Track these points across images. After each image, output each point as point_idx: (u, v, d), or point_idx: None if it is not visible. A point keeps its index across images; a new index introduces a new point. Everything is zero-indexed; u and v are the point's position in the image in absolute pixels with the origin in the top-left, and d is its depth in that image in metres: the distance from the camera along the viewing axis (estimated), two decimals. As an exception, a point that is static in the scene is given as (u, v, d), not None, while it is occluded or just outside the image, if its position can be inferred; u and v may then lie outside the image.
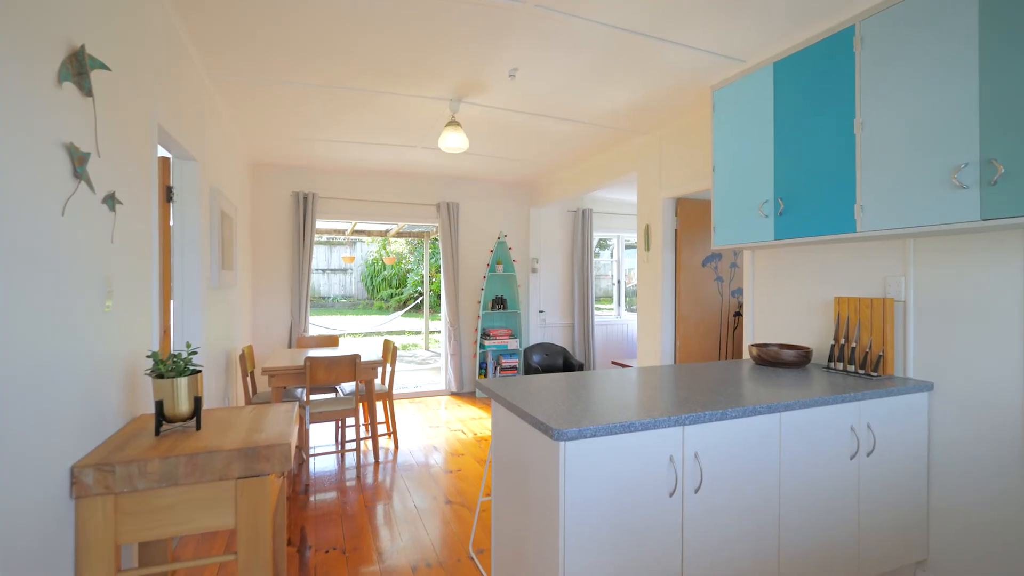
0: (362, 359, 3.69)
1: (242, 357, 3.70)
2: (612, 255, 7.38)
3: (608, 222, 7.04)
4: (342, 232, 9.31)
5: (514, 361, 6.12)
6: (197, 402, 1.58)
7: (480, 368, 6.04)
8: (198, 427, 1.58)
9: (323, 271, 16.19)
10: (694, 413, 1.72)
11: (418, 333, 12.23)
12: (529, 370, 6.11)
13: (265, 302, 5.35)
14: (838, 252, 2.66)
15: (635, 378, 2.29)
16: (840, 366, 2.52)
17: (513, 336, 6.07)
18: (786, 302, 2.95)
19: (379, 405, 5.08)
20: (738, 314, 4.31)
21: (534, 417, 1.63)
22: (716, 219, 2.95)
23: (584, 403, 1.82)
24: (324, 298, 16.13)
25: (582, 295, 6.75)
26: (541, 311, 6.65)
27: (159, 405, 1.51)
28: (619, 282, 7.27)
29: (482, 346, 6.00)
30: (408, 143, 4.51)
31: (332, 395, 5.26)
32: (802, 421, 1.96)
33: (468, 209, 6.23)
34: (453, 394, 6.10)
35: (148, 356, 1.57)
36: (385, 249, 15.87)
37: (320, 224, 8.53)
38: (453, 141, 3.46)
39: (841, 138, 2.29)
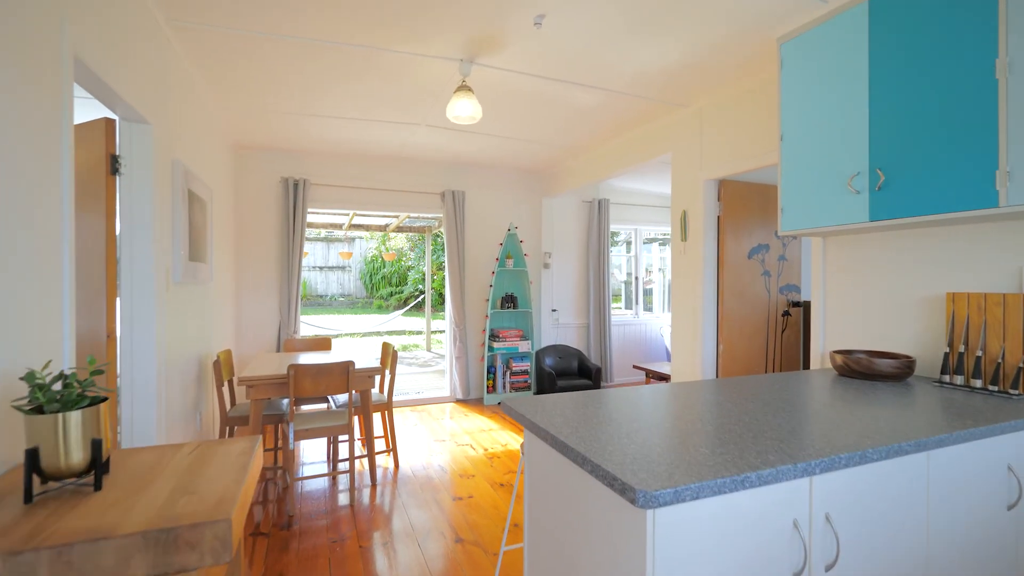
0: (357, 366, 3.16)
1: (217, 364, 3.17)
2: (629, 249, 6.85)
3: (624, 214, 6.51)
4: (339, 227, 8.77)
5: (525, 365, 5.59)
6: (96, 447, 1.05)
7: (488, 373, 5.51)
8: (97, 486, 1.05)
9: (320, 268, 15.66)
10: (826, 458, 1.19)
11: (419, 333, 11.71)
12: (541, 375, 5.58)
13: (250, 300, 4.81)
14: (956, 235, 2.13)
15: (700, 398, 1.75)
16: (959, 380, 1.98)
17: (524, 337, 5.54)
18: (872, 300, 2.42)
19: (377, 417, 4.55)
20: (787, 313, 3.78)
21: (604, 470, 1.10)
22: (784, 199, 2.42)
23: (656, 440, 1.29)
24: (322, 296, 15.60)
25: (598, 293, 6.22)
26: (554, 310, 6.12)
27: (31, 455, 0.99)
28: (637, 279, 6.74)
29: (490, 348, 5.47)
30: (409, 119, 3.97)
31: (323, 406, 4.74)
32: (952, 461, 1.44)
33: (475, 199, 5.70)
34: (459, 401, 5.57)
35: (23, 377, 1.04)
36: (385, 245, 15.32)
37: (313, 216, 8.00)
38: (464, 109, 2.93)
39: (974, 86, 1.75)
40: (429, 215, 8.78)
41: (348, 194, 5.19)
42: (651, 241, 7.09)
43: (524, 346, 5.51)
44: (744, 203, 3.61)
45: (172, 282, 2.59)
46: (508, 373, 5.53)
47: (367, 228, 9.19)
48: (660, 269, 7.18)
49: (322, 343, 4.20)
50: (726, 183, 3.53)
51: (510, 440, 4.20)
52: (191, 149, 3.04)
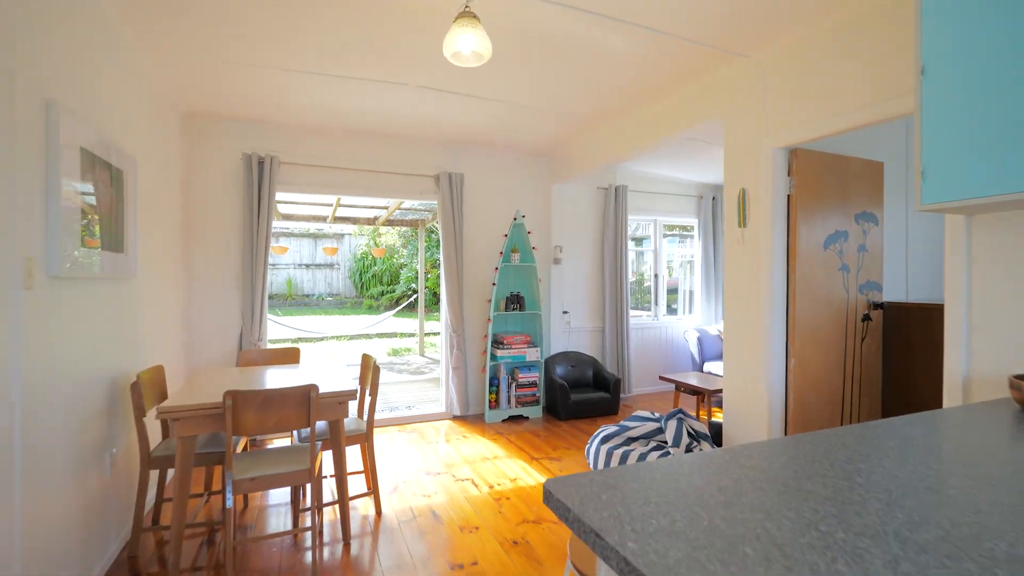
0: (325, 388, 2.38)
1: (135, 387, 2.37)
2: (640, 243, 6.09)
3: (641, 203, 5.74)
4: (323, 219, 7.96)
5: (533, 376, 4.82)
6: None
7: (490, 385, 4.73)
8: None
9: (307, 267, 14.81)
10: None
11: (412, 335, 10.90)
12: (552, 387, 4.81)
13: (205, 302, 4.01)
14: None
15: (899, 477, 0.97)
16: None
17: (532, 344, 4.77)
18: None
19: (355, 449, 3.75)
20: (867, 318, 3.03)
21: None
22: (927, 159, 1.66)
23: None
24: (308, 296, 14.75)
25: (615, 292, 5.45)
26: (565, 312, 5.35)
27: None
28: (657, 276, 5.98)
29: (493, 357, 4.69)
30: (397, 76, 3.19)
31: (286, 440, 3.95)
32: None
33: (475, 183, 4.91)
34: (456, 418, 4.79)
35: None
36: (375, 240, 14.48)
37: (292, 206, 7.17)
38: (467, 43, 2.15)
39: None
40: (421, 207, 8.00)
41: (326, 176, 4.39)
42: (670, 234, 6.36)
43: (532, 354, 4.74)
44: (821, 178, 2.85)
45: (46, 276, 1.80)
46: (513, 385, 4.75)
47: (354, 221, 8.38)
48: (682, 264, 6.44)
49: (288, 355, 3.40)
50: (799, 153, 2.77)
51: (520, 473, 3.43)
52: (104, 105, 2.24)
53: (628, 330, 5.47)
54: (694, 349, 5.48)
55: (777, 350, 2.78)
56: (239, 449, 2.86)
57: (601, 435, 3.35)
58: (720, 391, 4.09)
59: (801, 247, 2.77)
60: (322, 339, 10.40)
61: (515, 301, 4.79)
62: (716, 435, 3.25)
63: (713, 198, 6.02)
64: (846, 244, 2.95)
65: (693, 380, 4.34)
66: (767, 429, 2.77)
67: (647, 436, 3.24)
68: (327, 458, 3.40)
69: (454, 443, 4.08)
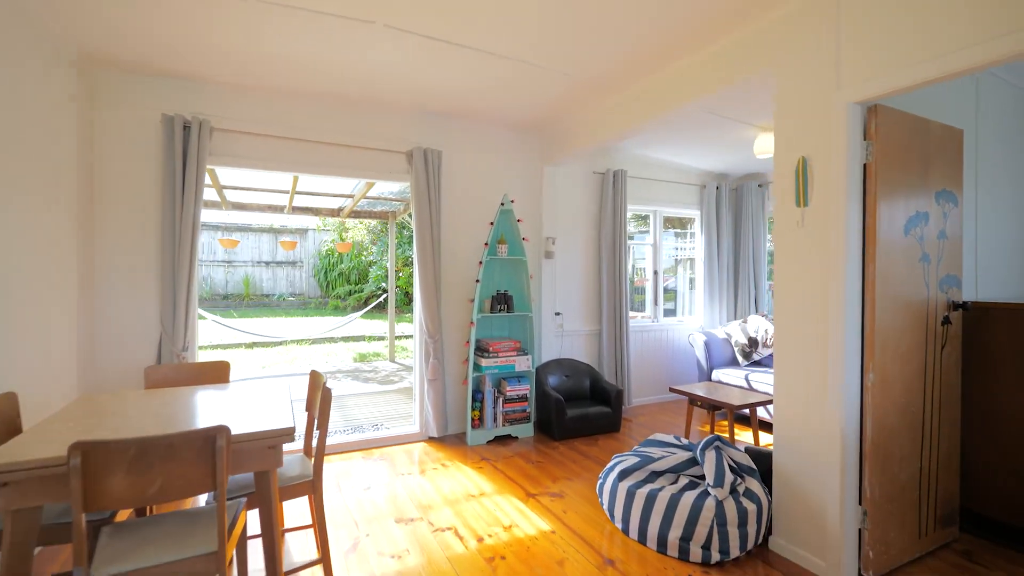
0: (247, 427, 1.63)
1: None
2: (648, 237, 5.47)
3: (640, 191, 5.13)
4: (279, 209, 7.07)
5: (524, 389, 4.12)
6: None
7: (473, 400, 4.02)
8: None
9: (267, 264, 13.71)
10: None
11: (382, 339, 10.06)
12: (545, 401, 4.13)
13: (110, 301, 3.17)
14: None
15: None
16: None
17: (522, 351, 4.07)
18: None
19: (301, 503, 2.98)
20: (947, 321, 2.45)
21: None
22: None
23: None
24: (268, 296, 13.65)
25: (613, 291, 4.81)
26: (558, 313, 4.68)
27: None
28: (657, 274, 5.37)
29: (476, 367, 3.98)
30: (362, 10, 2.45)
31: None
32: None
33: (455, 161, 4.19)
34: (432, 440, 4.06)
35: None
36: (340, 235, 13.50)
37: (236, 193, 6.26)
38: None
39: None
40: (393, 196, 7.21)
41: (273, 148, 3.59)
42: (674, 229, 5.78)
43: (522, 363, 4.04)
44: (904, 144, 2.25)
45: None
46: (500, 400, 4.05)
47: (315, 212, 7.52)
48: (679, 260, 5.86)
49: (213, 372, 2.60)
50: (880, 111, 2.17)
51: (516, 517, 2.73)
52: None
53: (628, 334, 4.84)
54: (700, 354, 4.89)
55: (851, 362, 2.16)
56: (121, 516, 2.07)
57: (618, 468, 2.68)
58: (748, 407, 3.49)
59: (881, 231, 2.17)
60: (281, 343, 9.45)
61: (502, 301, 4.09)
62: (764, 467, 2.62)
63: (717, 187, 5.46)
64: (927, 228, 2.37)
65: (711, 392, 3.72)
66: (838, 463, 2.16)
67: (675, 469, 2.59)
68: (253, 518, 2.63)
69: (431, 474, 3.35)
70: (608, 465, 2.82)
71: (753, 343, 4.80)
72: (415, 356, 4.13)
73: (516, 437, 4.11)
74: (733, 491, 2.39)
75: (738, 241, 5.56)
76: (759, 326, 4.86)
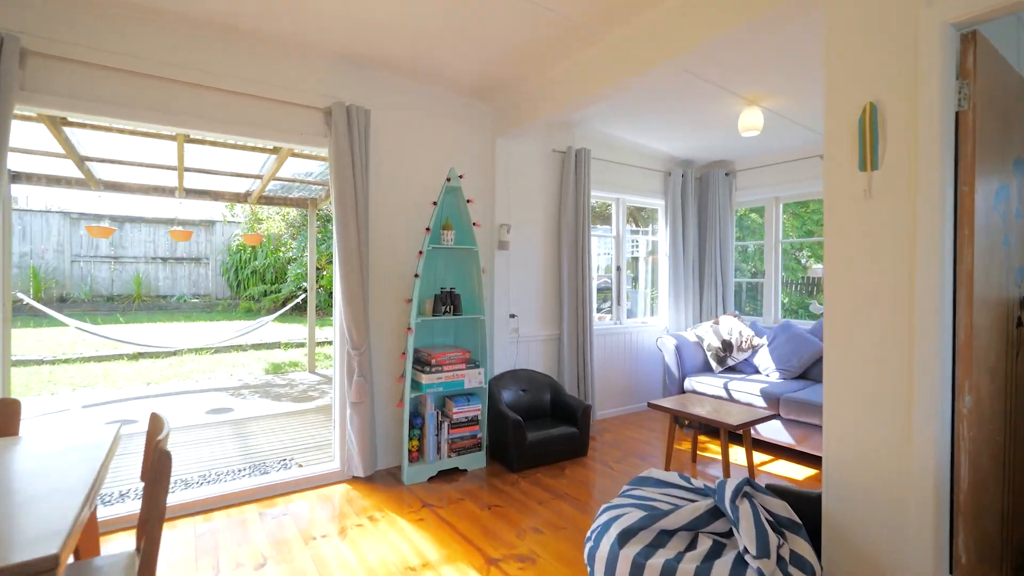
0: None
1: None
2: (613, 228, 4.86)
3: (601, 175, 4.51)
4: (168, 191, 5.78)
5: (474, 409, 3.33)
6: None
7: (412, 426, 3.18)
8: None
9: (164, 260, 11.86)
10: None
11: (300, 345, 8.83)
12: (501, 422, 3.38)
13: None
14: None
15: None
16: None
17: (472, 363, 3.29)
18: None
19: None
20: (1021, 323, 1.96)
21: None
22: None
23: None
24: (165, 298, 11.81)
25: (576, 289, 4.15)
26: (513, 315, 3.93)
27: None
28: (620, 269, 4.78)
29: (415, 385, 3.15)
30: None
31: None
32: None
33: (388, 124, 3.33)
34: (357, 481, 3.16)
35: None
36: (252, 227, 11.96)
37: (106, 167, 4.93)
38: None
39: None
40: (315, 180, 6.14)
41: (134, 89, 2.56)
42: (638, 226, 5.22)
43: (472, 377, 3.26)
44: (995, 95, 1.72)
45: None
46: (446, 425, 3.24)
47: (215, 196, 6.27)
48: (640, 256, 5.32)
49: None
50: (980, 43, 1.61)
51: (476, 605, 1.95)
52: None
53: (592, 338, 4.19)
54: (671, 360, 4.34)
55: (939, 381, 1.59)
56: None
57: (615, 527, 1.97)
58: (750, 426, 2.92)
59: (978, 205, 1.61)
60: (174, 353, 8.00)
61: (448, 301, 3.28)
62: (806, 516, 2.01)
63: (683, 175, 4.96)
64: (1008, 204, 1.86)
65: (694, 407, 3.13)
66: (927, 517, 1.57)
67: (692, 526, 1.92)
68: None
69: (355, 535, 2.48)
70: (598, 522, 2.11)
71: (727, 347, 4.32)
72: (335, 373, 3.22)
73: (465, 470, 3.31)
74: (779, 559, 1.76)
75: (704, 235, 5.11)
76: (732, 328, 4.38)
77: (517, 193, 3.93)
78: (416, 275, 3.12)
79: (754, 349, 4.29)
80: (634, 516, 1.97)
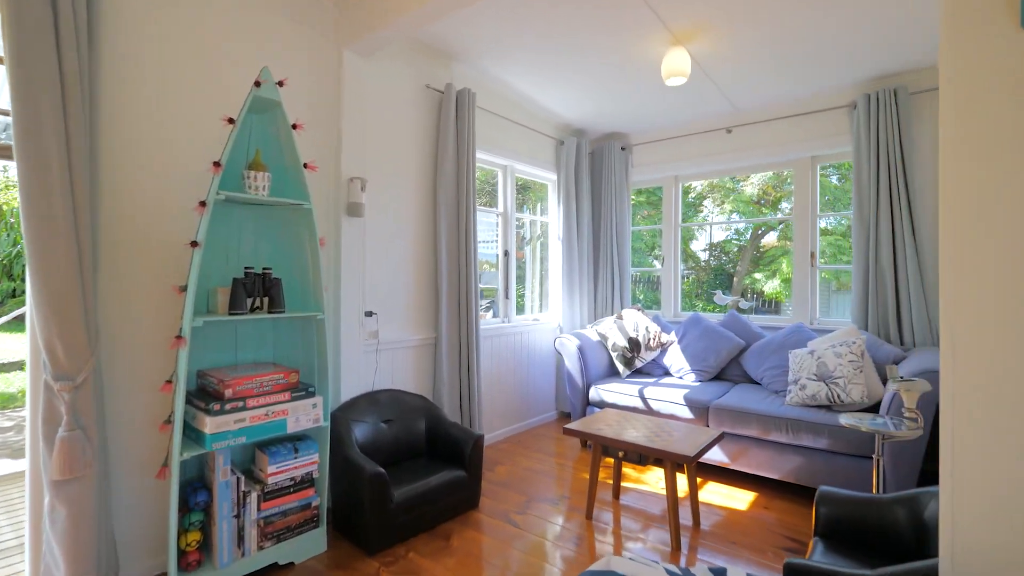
0: None
1: None
2: (500, 203, 3.89)
3: (487, 131, 3.53)
4: None
5: (306, 463, 2.07)
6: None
7: (189, 506, 1.82)
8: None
9: None
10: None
11: (19, 368, 6.29)
12: (349, 477, 2.18)
13: None
14: None
15: None
16: None
17: (303, 389, 2.03)
18: None
19: None
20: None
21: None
22: None
23: None
24: None
25: (457, 279, 3.10)
26: (370, 313, 2.73)
27: None
28: (508, 255, 3.84)
29: (196, 437, 1.80)
30: None
31: None
32: None
33: (146, 4, 1.91)
34: (70, 623, 1.69)
35: None
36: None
37: None
38: None
39: None
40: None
41: None
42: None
43: (303, 413, 2.00)
44: None
45: None
46: (255, 498, 1.93)
47: None
48: (527, 240, 4.45)
49: None
50: None
51: None
52: None
53: (478, 343, 3.17)
54: (573, 365, 3.52)
55: None
56: None
57: None
58: (701, 454, 2.16)
59: None
60: None
61: (259, 289, 1.98)
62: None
63: (577, 145, 4.22)
64: None
65: (630, 429, 2.30)
66: None
67: None
68: None
69: None
70: None
71: (635, 345, 3.64)
72: (27, 427, 1.74)
73: (290, 565, 2.04)
74: None
75: (598, 218, 4.43)
76: (638, 323, 3.73)
77: (378, 139, 2.75)
78: (194, 243, 1.77)
79: (663, 347, 3.67)
80: None
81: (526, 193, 4.41)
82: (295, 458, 2.02)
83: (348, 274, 2.54)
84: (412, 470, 2.43)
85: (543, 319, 4.11)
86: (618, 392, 3.31)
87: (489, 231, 3.87)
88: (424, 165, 3.03)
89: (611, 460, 3.17)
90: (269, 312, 1.98)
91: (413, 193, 2.96)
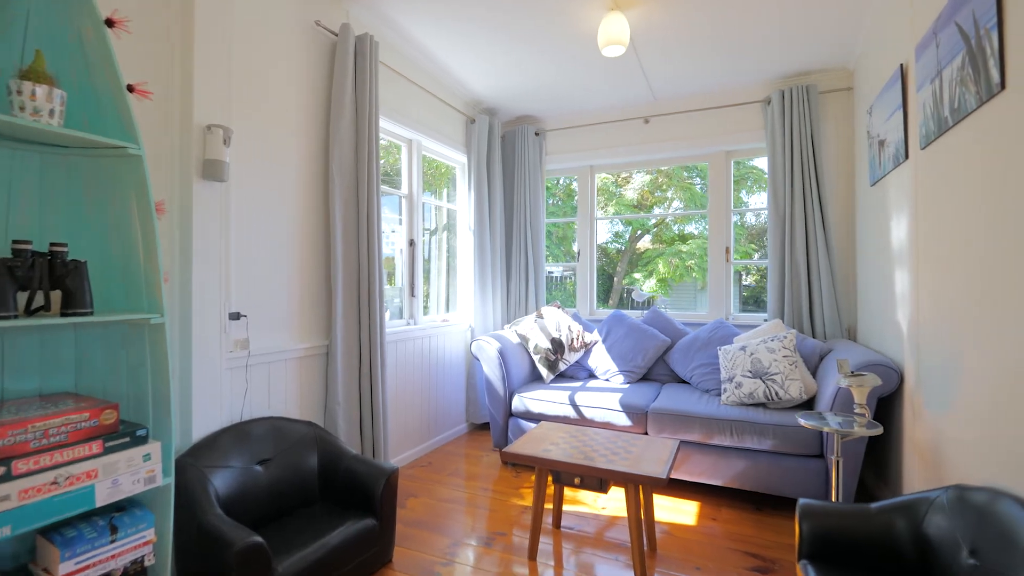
0: None
1: None
2: (404, 184, 3.28)
3: (390, 93, 2.94)
4: None
5: (135, 545, 1.34)
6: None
7: None
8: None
9: None
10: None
11: None
12: (206, 555, 1.48)
13: None
14: None
15: None
16: None
17: (123, 436, 1.30)
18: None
19: None
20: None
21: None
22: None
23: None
24: None
25: (356, 271, 2.48)
26: (237, 316, 2.00)
27: None
28: (413, 244, 3.26)
29: None
30: None
31: None
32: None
33: None
34: None
35: None
36: None
37: None
38: None
39: None
40: None
41: None
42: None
43: (124, 475, 1.28)
44: None
45: None
46: (32, 617, 1.18)
47: None
48: (432, 231, 3.88)
49: None
50: None
51: None
52: None
53: (383, 351, 2.57)
54: (493, 372, 3.07)
55: None
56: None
57: None
58: (668, 472, 1.84)
59: None
60: None
61: (37, 277, 1.22)
62: None
63: (489, 125, 3.78)
64: None
65: (582, 447, 1.91)
66: None
67: None
68: None
69: None
70: None
71: (558, 347, 3.30)
72: None
73: None
74: None
75: (511, 208, 4.04)
76: (560, 322, 3.40)
77: (249, 78, 2.03)
78: None
79: (587, 348, 3.39)
80: None
81: (430, 174, 3.86)
82: (111, 543, 1.29)
83: (203, 260, 1.81)
84: (302, 528, 1.78)
85: (452, 320, 3.60)
86: (546, 400, 2.93)
87: (390, 217, 3.26)
88: (314, 125, 2.36)
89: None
90: (64, 314, 1.24)
91: (298, 158, 2.28)
